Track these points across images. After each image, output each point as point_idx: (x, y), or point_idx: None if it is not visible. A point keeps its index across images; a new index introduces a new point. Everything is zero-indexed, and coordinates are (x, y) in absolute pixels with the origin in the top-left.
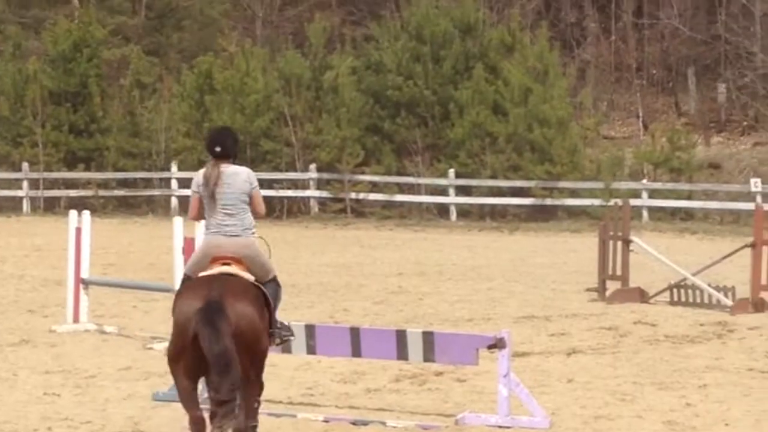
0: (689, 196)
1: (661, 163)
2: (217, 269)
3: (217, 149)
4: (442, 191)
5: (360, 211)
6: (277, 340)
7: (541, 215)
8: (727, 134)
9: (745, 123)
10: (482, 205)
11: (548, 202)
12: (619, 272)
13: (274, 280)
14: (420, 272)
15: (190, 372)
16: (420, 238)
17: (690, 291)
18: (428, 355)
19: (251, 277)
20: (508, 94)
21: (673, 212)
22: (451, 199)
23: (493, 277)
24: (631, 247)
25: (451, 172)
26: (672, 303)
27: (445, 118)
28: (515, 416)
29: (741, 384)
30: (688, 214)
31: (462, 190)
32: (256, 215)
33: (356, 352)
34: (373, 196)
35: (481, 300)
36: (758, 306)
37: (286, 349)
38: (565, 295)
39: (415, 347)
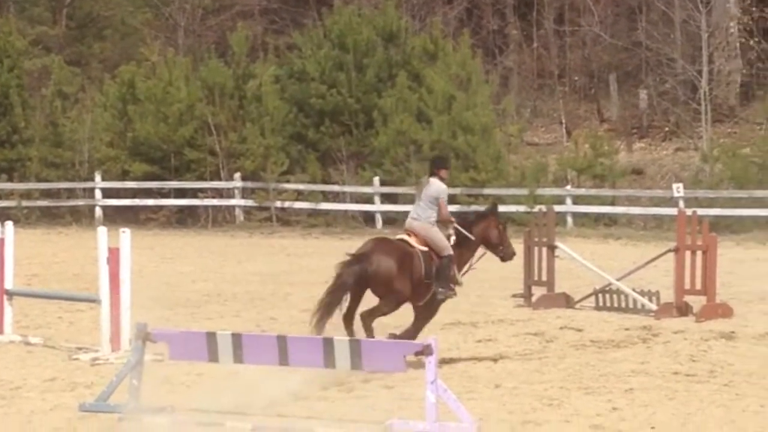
0: (613, 202)
1: (584, 170)
2: (399, 236)
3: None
4: (368, 199)
5: (285, 219)
6: (440, 296)
7: None
8: (649, 140)
9: (666, 129)
10: (407, 213)
11: (473, 209)
12: (544, 278)
13: (449, 256)
14: None
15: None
16: (346, 246)
17: (615, 296)
18: (356, 363)
19: (424, 248)
20: (432, 101)
21: (597, 218)
22: (377, 207)
23: None
24: (556, 253)
25: (376, 179)
26: (597, 308)
27: (369, 126)
28: (443, 422)
29: (666, 388)
30: (611, 220)
31: (387, 198)
32: (441, 217)
33: (283, 361)
34: (298, 205)
35: (407, 307)
36: (682, 310)
37: (213, 358)
38: (491, 301)
39: (342, 355)
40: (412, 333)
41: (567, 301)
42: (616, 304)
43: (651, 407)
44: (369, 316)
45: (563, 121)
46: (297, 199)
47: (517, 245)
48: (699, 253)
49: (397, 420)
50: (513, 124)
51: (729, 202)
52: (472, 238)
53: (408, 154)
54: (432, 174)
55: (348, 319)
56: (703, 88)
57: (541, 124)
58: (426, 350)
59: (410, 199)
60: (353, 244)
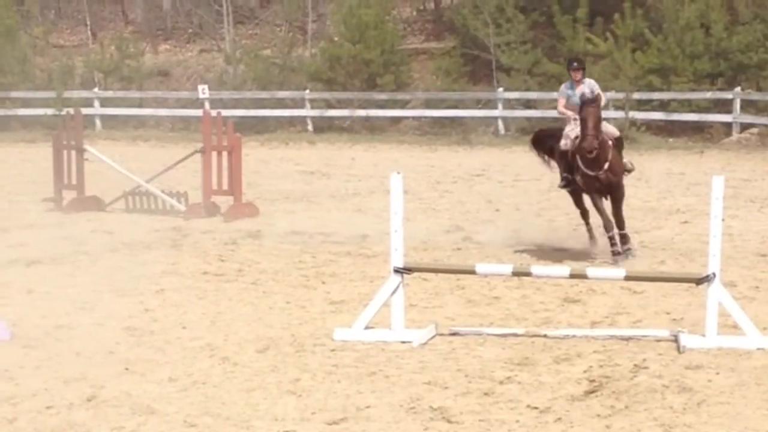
0: (140, 104)
1: (111, 72)
2: None
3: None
4: None
5: None
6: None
7: None
8: (173, 42)
9: (190, 30)
10: None
11: (1, 112)
12: (75, 181)
13: (620, 137)
14: None
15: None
16: None
17: (145, 198)
18: None
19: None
20: None
21: (126, 120)
22: None
23: None
24: (85, 156)
25: None
26: (128, 210)
27: None
28: None
29: (196, 287)
30: (140, 122)
31: None
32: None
33: None
34: None
35: None
36: (210, 210)
37: None
38: (22, 205)
39: None
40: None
41: (98, 204)
42: (146, 206)
43: (182, 307)
44: None
45: (88, 22)
46: None
47: (47, 149)
48: (225, 153)
49: None
50: (38, 26)
51: (253, 103)
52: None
53: None
54: None
55: None
56: None
57: (66, 25)
58: None
59: None
60: None
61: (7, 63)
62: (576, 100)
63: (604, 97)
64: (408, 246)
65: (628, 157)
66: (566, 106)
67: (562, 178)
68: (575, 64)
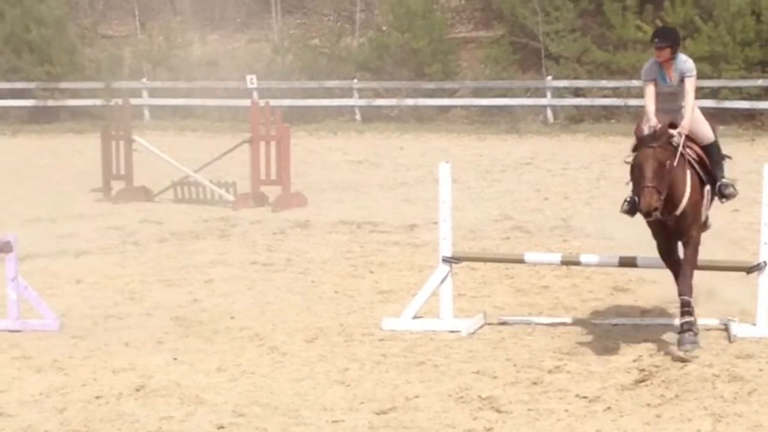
0: (188, 94)
1: (159, 62)
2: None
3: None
4: None
5: None
6: (723, 200)
7: (44, 117)
8: (221, 32)
9: (238, 20)
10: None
11: (50, 103)
12: (123, 172)
13: (715, 143)
14: None
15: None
16: None
17: (193, 188)
18: None
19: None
20: None
21: (174, 110)
22: None
23: None
24: (134, 147)
25: None
26: (176, 200)
27: None
28: (25, 319)
29: (245, 277)
30: (188, 112)
31: None
32: None
33: None
34: None
35: None
36: (258, 200)
37: None
38: (71, 196)
39: None
40: None
41: (146, 195)
42: (194, 196)
43: (231, 297)
44: None
45: (137, 13)
46: None
47: (96, 139)
48: (273, 143)
49: None
50: (87, 16)
51: (301, 93)
52: None
53: None
54: None
55: None
56: None
57: (115, 16)
58: (5, 247)
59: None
60: None
61: (56, 54)
62: (668, 85)
63: (692, 97)
64: (456, 235)
65: None
66: (658, 93)
67: (627, 201)
68: (656, 40)
